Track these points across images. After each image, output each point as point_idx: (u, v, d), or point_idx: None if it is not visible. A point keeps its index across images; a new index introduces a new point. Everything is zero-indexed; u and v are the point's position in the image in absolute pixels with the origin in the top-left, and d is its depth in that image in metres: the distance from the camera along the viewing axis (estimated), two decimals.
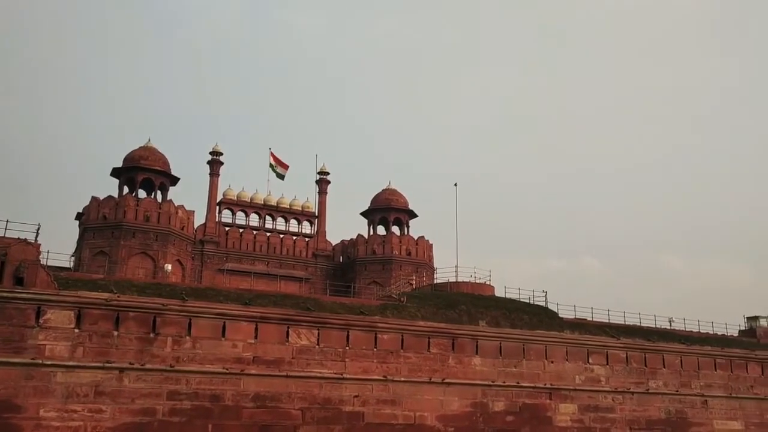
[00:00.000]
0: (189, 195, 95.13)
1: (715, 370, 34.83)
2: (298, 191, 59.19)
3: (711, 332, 37.88)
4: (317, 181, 56.26)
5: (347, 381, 25.71)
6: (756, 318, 42.00)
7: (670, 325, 36.96)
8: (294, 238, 54.04)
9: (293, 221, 55.70)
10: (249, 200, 54.35)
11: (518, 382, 29.01)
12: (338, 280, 47.71)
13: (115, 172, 46.34)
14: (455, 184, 45.55)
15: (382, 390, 26.27)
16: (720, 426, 33.76)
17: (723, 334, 38.42)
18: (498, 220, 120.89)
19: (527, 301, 33.60)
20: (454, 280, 36.29)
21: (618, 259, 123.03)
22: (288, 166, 54.82)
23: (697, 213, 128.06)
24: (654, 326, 35.91)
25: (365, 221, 54.98)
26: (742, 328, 41.09)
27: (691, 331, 36.88)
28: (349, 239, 54.42)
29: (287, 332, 25.37)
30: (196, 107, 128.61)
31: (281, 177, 54.85)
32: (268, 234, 53.15)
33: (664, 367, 33.26)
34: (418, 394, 26.84)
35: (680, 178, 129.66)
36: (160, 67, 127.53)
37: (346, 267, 52.81)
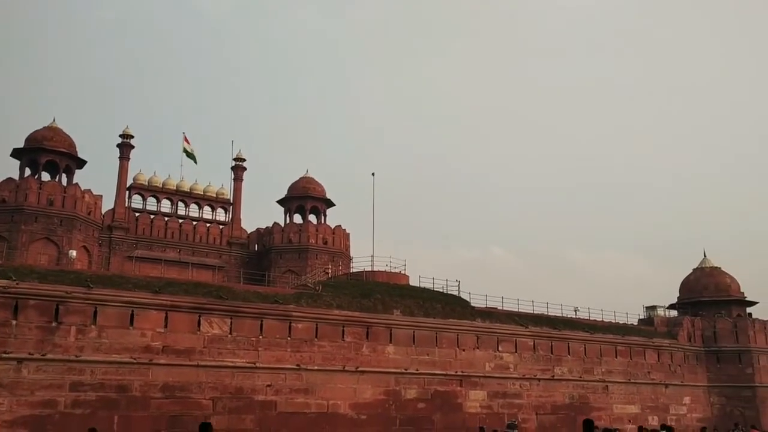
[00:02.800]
0: (98, 179, 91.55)
1: (616, 357, 36.56)
2: (213, 177, 58.10)
3: (613, 321, 39.59)
4: (233, 168, 55.20)
5: (260, 370, 25.45)
6: (654, 308, 44.29)
7: (576, 315, 38.38)
8: (208, 225, 52.86)
9: (207, 208, 54.47)
10: (161, 185, 52.74)
11: (430, 370, 29.52)
12: (253, 268, 47.02)
13: (16, 153, 43.93)
14: (372, 174, 45.73)
15: (296, 379, 26.16)
16: (619, 410, 35.50)
17: (624, 323, 40.24)
18: (414, 211, 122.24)
19: (441, 290, 34.14)
20: (370, 270, 36.47)
21: (526, 251, 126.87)
22: (194, 158, 53.55)
23: (599, 207, 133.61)
24: (560, 315, 37.21)
25: (282, 209, 54.41)
26: (641, 317, 43.19)
27: (595, 320, 38.46)
28: (264, 227, 53.74)
29: (199, 321, 24.85)
30: (105, 89, 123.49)
31: (194, 159, 53.46)
32: (181, 221, 51.76)
33: (569, 354, 34.65)
34: (331, 382, 26.88)
35: (584, 172, 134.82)
36: (69, 46, 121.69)
37: (262, 255, 52.16)
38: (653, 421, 35.14)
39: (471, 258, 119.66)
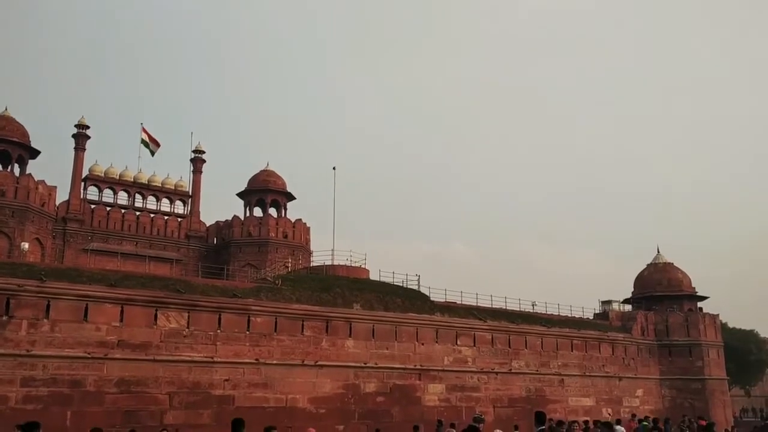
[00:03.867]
0: (52, 170, 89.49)
1: (572, 351, 37.19)
2: (172, 169, 57.28)
3: (569, 315, 40.21)
4: (192, 160, 54.54)
5: (218, 365, 25.21)
6: (609, 302, 45.16)
7: (533, 309, 38.86)
8: (166, 217, 52.16)
9: (165, 200, 53.72)
10: (117, 177, 51.81)
11: (390, 364, 29.62)
12: (212, 262, 46.58)
13: None
14: (333, 168, 45.56)
15: (254, 373, 25.99)
16: (574, 402, 36.14)
17: (580, 317, 40.93)
18: (375, 206, 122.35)
19: (401, 284, 34.23)
20: (330, 263, 36.38)
21: (487, 246, 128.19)
22: (159, 144, 52.64)
23: (559, 204, 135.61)
24: (518, 309, 37.67)
25: (241, 202, 53.94)
26: (597, 311, 44.00)
27: (552, 315, 39.00)
28: (224, 220, 53.22)
29: (155, 315, 24.47)
30: (60, 78, 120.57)
31: (152, 153, 52.62)
32: (138, 213, 50.95)
33: (526, 348, 35.12)
34: (290, 376, 26.78)
35: (543, 170, 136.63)
36: (23, 34, 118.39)
37: (221, 249, 51.65)
38: (607, 413, 35.85)
39: (432, 253, 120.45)
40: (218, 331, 25.61)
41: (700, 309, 45.01)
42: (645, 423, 21.43)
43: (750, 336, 63.07)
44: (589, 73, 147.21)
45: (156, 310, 24.53)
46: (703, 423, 18.61)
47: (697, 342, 42.03)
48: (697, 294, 45.52)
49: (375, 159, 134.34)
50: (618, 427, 23.20)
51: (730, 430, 29.50)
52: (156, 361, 23.91)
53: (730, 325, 59.62)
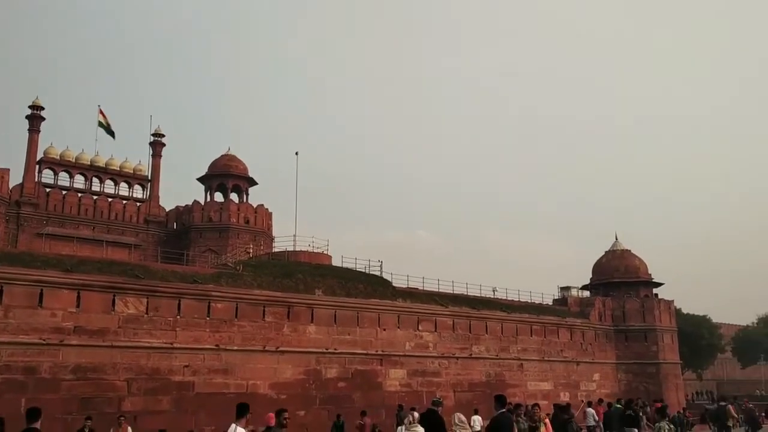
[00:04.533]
0: (4, 152, 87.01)
1: (531, 336, 37.73)
2: (130, 153, 56.21)
3: (529, 301, 40.79)
4: (151, 143, 53.54)
5: (177, 351, 24.91)
6: (568, 288, 45.90)
7: (494, 295, 39.27)
8: (124, 202, 51.19)
9: (124, 185, 52.69)
10: (74, 160, 50.60)
11: (351, 350, 29.65)
12: (171, 247, 45.87)
13: None
14: (296, 153, 45.26)
15: (215, 359, 25.76)
16: (533, 386, 36.73)
17: (539, 303, 41.52)
18: (339, 192, 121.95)
19: (363, 270, 34.25)
20: (292, 249, 36.19)
21: (449, 233, 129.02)
22: (112, 130, 51.57)
23: (521, 192, 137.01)
24: (479, 295, 38.01)
25: (202, 187, 53.20)
26: (556, 297, 44.68)
27: (512, 300, 39.49)
28: (184, 205, 52.45)
29: (113, 301, 24.02)
30: (14, 58, 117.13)
31: (112, 134, 51.50)
32: (95, 197, 49.90)
33: (487, 333, 35.52)
34: (251, 362, 26.62)
35: (505, 156, 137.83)
36: None
37: (181, 234, 50.93)
38: (565, 397, 36.51)
39: (396, 240, 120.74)
40: (178, 317, 25.29)
41: (656, 295, 46.04)
42: (618, 405, 21.99)
43: (703, 321, 64.74)
44: (551, 59, 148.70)
45: (114, 296, 24.10)
46: (658, 405, 19.07)
47: (653, 327, 43.03)
48: (653, 281, 46.53)
49: (338, 145, 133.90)
50: (588, 410, 24.00)
51: (682, 412, 30.28)
52: (114, 347, 23.51)
53: (684, 311, 61.12)
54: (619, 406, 21.74)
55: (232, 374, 26.00)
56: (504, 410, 11.36)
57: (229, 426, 9.14)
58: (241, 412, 9.30)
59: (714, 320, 68.85)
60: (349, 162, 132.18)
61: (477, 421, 23.51)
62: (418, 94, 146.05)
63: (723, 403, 21.53)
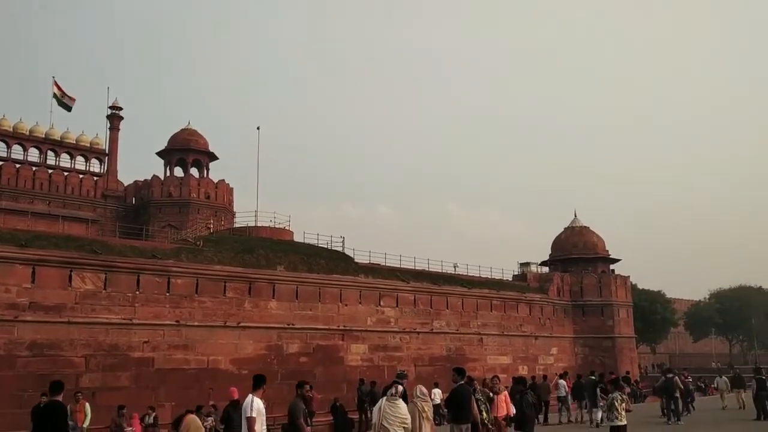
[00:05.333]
0: None
1: (491, 311, 38.28)
2: (87, 126, 54.92)
3: (489, 277, 41.27)
4: (108, 117, 52.39)
5: (137, 326, 24.65)
6: (528, 264, 46.61)
7: (455, 270, 39.66)
8: (80, 176, 50.15)
9: (80, 158, 51.60)
10: (28, 133, 49.32)
11: (313, 325, 29.73)
12: (130, 222, 45.18)
13: None
14: (258, 128, 44.81)
15: (175, 335, 25.57)
16: (492, 360, 37.34)
17: (499, 279, 42.05)
18: (301, 168, 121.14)
19: (325, 246, 34.23)
20: (254, 225, 35.98)
21: (411, 210, 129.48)
22: (74, 99, 50.28)
23: (480, 170, 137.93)
24: (440, 271, 38.36)
25: (162, 162, 52.32)
26: (516, 273, 45.33)
27: (473, 276, 39.91)
28: (143, 180, 51.59)
29: (70, 276, 23.60)
30: None
31: (68, 108, 50.22)
32: (51, 171, 48.77)
33: (448, 308, 35.91)
34: (212, 338, 26.51)
35: (466, 135, 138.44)
36: None
37: (139, 209, 50.16)
38: (523, 371, 37.21)
39: (357, 216, 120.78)
40: (137, 292, 24.99)
41: (613, 271, 47.04)
42: (593, 377, 22.78)
43: (657, 296, 66.53)
44: (511, 38, 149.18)
45: (71, 272, 23.68)
46: (613, 377, 19.67)
47: (609, 302, 44.00)
48: (611, 257, 47.51)
49: (300, 121, 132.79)
50: (561, 382, 25.04)
51: (635, 384, 31.20)
52: (71, 323, 23.15)
53: (640, 286, 62.68)
54: (593, 377, 22.68)
55: (192, 350, 25.88)
56: (463, 382, 11.55)
57: (245, 397, 9.19)
58: (258, 383, 9.35)
59: (668, 296, 70.79)
60: (311, 138, 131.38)
61: (437, 394, 23.87)
62: (382, 72, 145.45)
63: (669, 375, 22.47)
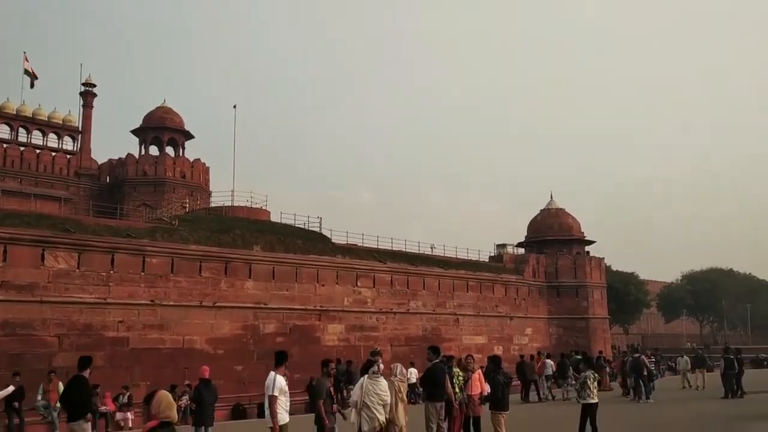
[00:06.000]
0: None
1: (467, 292, 38.55)
2: (59, 103, 53.98)
3: (466, 258, 41.51)
4: (82, 93, 51.47)
5: (111, 306, 24.45)
6: (504, 246, 46.93)
7: (432, 251, 39.83)
8: (53, 154, 49.37)
9: (53, 135, 50.77)
10: None
11: (289, 305, 29.72)
12: (104, 201, 44.60)
13: None
14: (234, 107, 44.38)
15: (150, 315, 25.42)
16: (468, 340, 37.67)
17: (476, 260, 42.31)
18: (280, 148, 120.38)
19: (303, 226, 34.14)
20: (230, 205, 35.74)
21: (390, 192, 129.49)
22: (36, 77, 49.38)
23: (459, 151, 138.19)
24: (418, 252, 38.50)
25: (137, 140, 51.62)
26: (492, 254, 45.62)
27: (450, 257, 40.12)
28: (117, 158, 50.93)
29: (43, 255, 23.30)
30: None
31: (31, 85, 49.35)
32: (22, 148, 47.94)
33: (424, 289, 36.09)
34: (187, 318, 26.39)
35: (446, 119, 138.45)
36: None
37: (114, 188, 49.55)
38: (498, 351, 37.59)
39: (337, 197, 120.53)
40: (111, 272, 24.75)
41: (588, 253, 47.55)
42: (577, 356, 23.38)
43: (630, 278, 67.45)
44: (493, 23, 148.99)
45: (43, 250, 23.37)
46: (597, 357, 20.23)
47: (583, 284, 44.53)
48: (586, 239, 47.99)
49: (278, 101, 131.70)
50: (548, 361, 25.77)
51: (605, 363, 31.67)
52: (43, 302, 22.90)
53: (614, 267, 63.46)
54: (578, 357, 23.49)
55: (168, 330, 25.75)
56: (437, 360, 11.64)
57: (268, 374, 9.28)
58: (280, 359, 9.34)
59: (641, 277, 71.80)
60: (289, 118, 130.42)
61: (413, 373, 24.06)
62: (362, 53, 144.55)
63: (636, 355, 23.29)
